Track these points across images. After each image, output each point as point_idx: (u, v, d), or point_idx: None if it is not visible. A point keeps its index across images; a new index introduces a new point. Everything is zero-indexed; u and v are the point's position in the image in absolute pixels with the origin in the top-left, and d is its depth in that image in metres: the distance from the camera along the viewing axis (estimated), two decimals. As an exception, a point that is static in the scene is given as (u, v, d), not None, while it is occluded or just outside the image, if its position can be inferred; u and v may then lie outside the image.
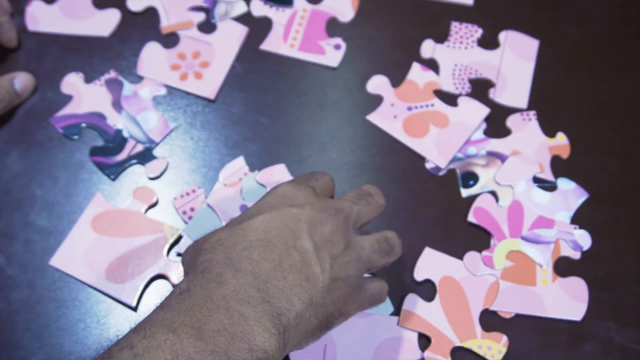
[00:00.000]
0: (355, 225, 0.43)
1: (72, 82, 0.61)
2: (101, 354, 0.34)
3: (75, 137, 0.59)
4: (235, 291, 0.36)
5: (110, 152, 0.58)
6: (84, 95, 0.60)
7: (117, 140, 0.58)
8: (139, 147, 0.58)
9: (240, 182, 0.56)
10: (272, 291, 0.37)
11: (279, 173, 0.57)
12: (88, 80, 0.61)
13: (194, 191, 0.56)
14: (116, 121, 0.59)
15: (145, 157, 0.58)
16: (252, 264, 0.37)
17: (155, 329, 0.33)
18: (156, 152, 0.58)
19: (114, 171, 0.57)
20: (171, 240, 0.54)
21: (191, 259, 0.40)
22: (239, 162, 0.58)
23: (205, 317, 0.34)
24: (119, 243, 0.54)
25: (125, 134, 0.59)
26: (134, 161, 0.58)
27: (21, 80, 0.59)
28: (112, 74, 0.61)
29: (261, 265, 0.37)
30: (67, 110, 0.60)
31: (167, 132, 0.59)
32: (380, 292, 0.44)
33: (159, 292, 0.53)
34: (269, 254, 0.38)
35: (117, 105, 0.60)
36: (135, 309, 0.52)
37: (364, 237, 0.43)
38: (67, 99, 0.60)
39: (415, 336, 0.51)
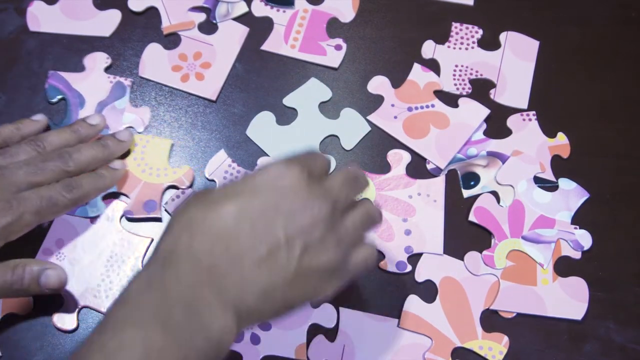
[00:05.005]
0: (343, 211, 0.42)
1: (95, 60, 0.62)
2: (73, 356, 0.35)
3: (53, 100, 0.60)
4: (191, 287, 0.37)
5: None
6: (91, 76, 0.61)
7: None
8: None
9: None
10: (227, 285, 0.38)
11: None
12: (109, 70, 0.62)
13: (183, 192, 0.57)
14: (86, 114, 0.59)
15: None
16: (212, 258, 0.38)
17: (124, 326, 0.35)
18: None
19: None
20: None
21: (167, 225, 0.40)
22: (221, 156, 0.58)
23: (166, 312, 0.36)
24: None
25: None
26: None
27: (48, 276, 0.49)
28: (127, 81, 0.61)
29: (220, 259, 0.38)
30: (71, 77, 0.61)
31: None
32: (365, 261, 0.44)
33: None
34: (232, 247, 0.38)
35: (100, 106, 0.60)
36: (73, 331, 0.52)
37: (345, 217, 0.42)
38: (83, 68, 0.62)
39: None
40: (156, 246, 0.40)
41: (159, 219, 0.56)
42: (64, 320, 0.51)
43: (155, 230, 0.55)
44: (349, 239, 0.42)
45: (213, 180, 0.57)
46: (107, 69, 0.62)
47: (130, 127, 0.59)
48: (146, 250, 0.54)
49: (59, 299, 0.52)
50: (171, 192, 0.57)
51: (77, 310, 0.52)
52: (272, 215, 0.39)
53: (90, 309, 0.52)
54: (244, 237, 0.38)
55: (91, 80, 0.61)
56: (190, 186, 0.57)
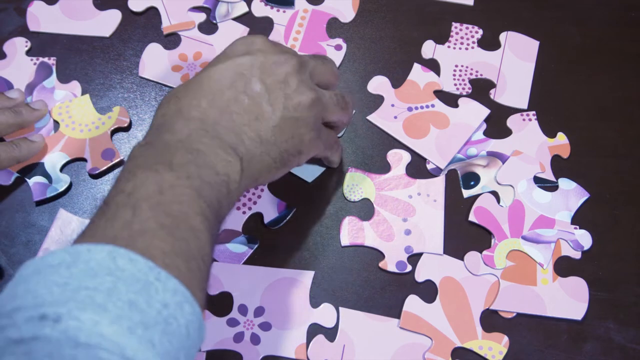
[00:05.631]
0: (312, 78, 0.46)
1: (15, 45, 0.62)
2: (99, 207, 0.37)
3: None
4: (188, 136, 0.40)
5: None
6: (14, 61, 0.62)
7: None
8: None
9: None
10: (222, 131, 0.41)
11: None
12: (30, 53, 0.62)
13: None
14: None
15: None
16: (200, 111, 0.42)
17: (135, 172, 0.37)
18: None
19: None
20: None
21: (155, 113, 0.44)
22: None
23: (170, 157, 0.38)
24: None
25: None
26: None
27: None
28: (52, 60, 0.62)
29: (209, 111, 0.42)
30: None
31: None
32: (335, 139, 0.51)
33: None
34: (217, 101, 0.42)
35: (29, 89, 0.60)
36: None
37: (323, 90, 0.47)
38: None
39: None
40: (150, 125, 0.43)
41: (122, 162, 0.57)
42: None
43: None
44: (323, 103, 0.46)
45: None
46: (28, 52, 0.62)
47: None
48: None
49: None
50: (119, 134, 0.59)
51: None
52: (248, 73, 0.43)
53: None
54: (226, 91, 0.42)
55: (15, 65, 0.62)
56: (131, 121, 0.59)
